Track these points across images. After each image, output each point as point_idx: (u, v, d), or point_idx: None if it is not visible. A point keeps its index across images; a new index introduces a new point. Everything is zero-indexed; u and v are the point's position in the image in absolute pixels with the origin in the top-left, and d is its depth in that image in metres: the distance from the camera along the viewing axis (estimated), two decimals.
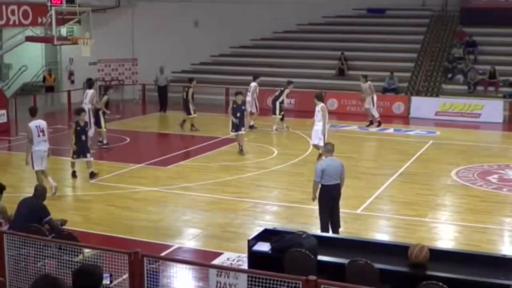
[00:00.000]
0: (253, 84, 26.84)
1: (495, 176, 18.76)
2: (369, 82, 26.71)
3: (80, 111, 18.43)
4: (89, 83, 23.51)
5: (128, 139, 23.98)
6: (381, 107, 30.51)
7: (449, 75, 32.29)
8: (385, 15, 38.05)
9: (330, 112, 30.16)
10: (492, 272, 8.84)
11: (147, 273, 8.46)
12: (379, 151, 22.27)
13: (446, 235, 14.08)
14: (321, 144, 18.85)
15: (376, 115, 26.92)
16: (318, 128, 19.77)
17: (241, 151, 21.29)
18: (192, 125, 25.74)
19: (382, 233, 14.17)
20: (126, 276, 8.59)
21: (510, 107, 29.41)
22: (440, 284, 8.16)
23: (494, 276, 8.74)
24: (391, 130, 26.62)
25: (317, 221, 12.80)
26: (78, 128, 17.77)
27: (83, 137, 17.88)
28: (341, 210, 12.93)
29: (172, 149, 21.02)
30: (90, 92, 22.61)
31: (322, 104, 20.28)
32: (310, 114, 29.50)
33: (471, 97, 30.57)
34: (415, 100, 30.81)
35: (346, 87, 32.41)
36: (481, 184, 17.85)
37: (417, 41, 34.98)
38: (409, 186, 17.61)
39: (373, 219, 15.03)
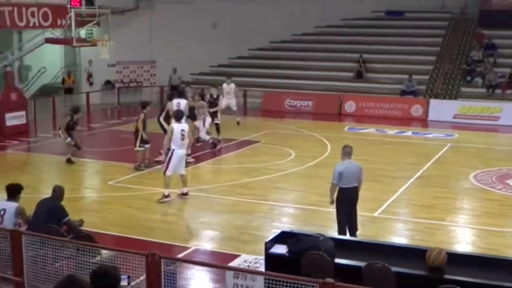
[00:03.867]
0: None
1: None
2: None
3: (146, 104, 19.87)
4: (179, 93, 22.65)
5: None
6: (399, 109, 30.51)
7: (468, 78, 32.13)
8: (404, 17, 37.90)
9: (348, 115, 30.53)
10: (510, 276, 8.79)
11: (164, 275, 8.49)
12: (397, 154, 22.17)
13: (464, 238, 14.00)
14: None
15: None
16: None
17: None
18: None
19: (399, 236, 14.11)
20: (143, 277, 8.61)
21: None
22: None
23: None
24: (409, 133, 26.54)
25: (335, 224, 12.77)
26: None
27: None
28: (358, 213, 12.89)
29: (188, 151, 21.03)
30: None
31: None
32: (327, 116, 29.77)
33: (490, 100, 30.40)
34: (434, 103, 30.69)
35: (364, 90, 32.38)
36: (500, 187, 17.74)
37: (436, 43, 34.85)
38: (427, 189, 17.53)
39: (390, 222, 14.97)
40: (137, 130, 19.32)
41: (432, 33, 35.85)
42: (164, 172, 16.10)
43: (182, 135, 15.93)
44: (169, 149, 16.19)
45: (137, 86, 34.64)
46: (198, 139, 21.90)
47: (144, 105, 19.85)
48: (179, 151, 15.97)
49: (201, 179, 18.42)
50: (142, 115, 19.21)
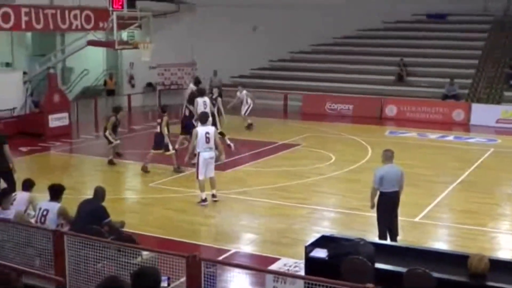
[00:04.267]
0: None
1: None
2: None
3: (166, 107, 20.24)
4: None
5: (186, 143, 24.05)
6: (441, 113, 30.23)
7: (511, 82, 31.73)
8: (446, 20, 37.59)
9: (389, 119, 30.34)
10: None
11: (204, 277, 8.52)
12: (439, 159, 21.96)
13: (507, 245, 13.83)
14: None
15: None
16: None
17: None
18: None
19: (441, 242, 13.98)
20: (183, 279, 8.65)
21: None
22: None
23: None
24: (451, 138, 26.27)
25: (375, 228, 12.70)
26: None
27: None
28: (399, 217, 12.80)
29: (230, 154, 21.08)
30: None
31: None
32: (367, 119, 29.62)
33: None
34: (476, 107, 30.32)
35: (405, 94, 32.13)
36: None
37: (478, 47, 34.45)
38: (469, 195, 17.34)
39: (431, 228, 14.83)
40: (161, 134, 19.37)
41: (475, 36, 35.48)
42: (197, 177, 16.14)
43: (207, 137, 15.82)
44: (195, 154, 16.20)
45: (178, 89, 34.80)
46: None
47: (164, 109, 20.00)
48: (205, 154, 15.87)
49: (242, 181, 18.44)
50: (166, 118, 19.35)
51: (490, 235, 14.24)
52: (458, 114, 30.20)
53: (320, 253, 9.94)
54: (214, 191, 16.26)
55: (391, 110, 31.09)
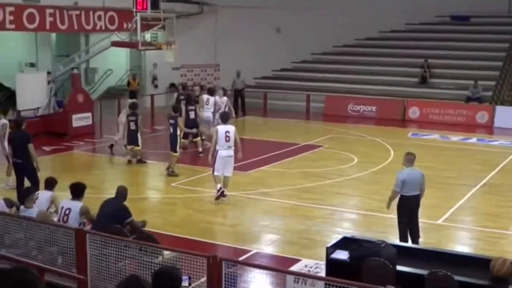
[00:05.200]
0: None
1: None
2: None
3: (177, 108, 20.23)
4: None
5: (208, 144, 24.08)
6: (464, 116, 30.07)
7: None
8: (469, 22, 37.35)
9: (412, 121, 30.21)
10: None
11: (225, 277, 8.55)
12: (462, 161, 21.85)
13: None
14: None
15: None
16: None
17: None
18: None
19: (462, 245, 13.91)
20: (204, 279, 8.68)
21: None
22: None
23: None
24: (474, 140, 26.12)
25: (396, 230, 12.66)
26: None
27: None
28: (421, 220, 12.76)
29: (251, 155, 21.10)
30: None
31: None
32: (390, 121, 29.54)
33: None
34: (500, 109, 30.13)
35: (429, 95, 32.00)
36: None
37: (503, 48, 34.18)
38: (492, 198, 17.24)
39: (454, 230, 14.78)
40: (176, 135, 19.39)
41: (499, 37, 35.16)
42: (212, 173, 16.37)
43: (227, 136, 16.01)
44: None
45: (202, 90, 34.86)
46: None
47: (175, 109, 20.05)
48: (223, 152, 16.04)
49: (264, 182, 18.45)
50: (179, 119, 19.45)
51: None
52: (481, 117, 30.02)
53: (342, 254, 9.93)
54: (224, 189, 16.31)
55: (414, 112, 30.96)
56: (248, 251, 12.88)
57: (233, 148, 16.20)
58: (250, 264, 10.59)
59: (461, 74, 33.00)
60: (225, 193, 16.28)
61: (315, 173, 19.61)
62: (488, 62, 33.67)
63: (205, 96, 23.22)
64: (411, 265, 9.50)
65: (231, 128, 16.29)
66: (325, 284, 8.30)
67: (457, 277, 8.78)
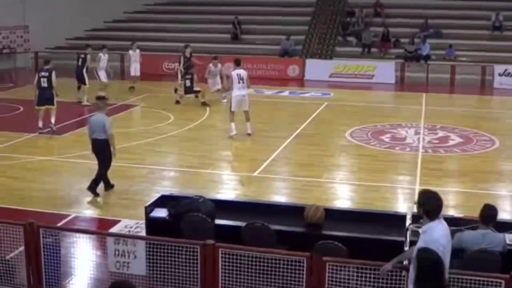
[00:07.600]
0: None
1: (388, 135, 19.28)
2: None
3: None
4: None
5: (22, 108, 23.24)
6: (276, 70, 30.86)
7: (344, 36, 32.85)
8: None
9: (226, 76, 30.50)
10: (385, 229, 9.11)
11: (44, 245, 8.36)
12: (276, 114, 22.49)
13: (341, 194, 14.40)
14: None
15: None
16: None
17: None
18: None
19: (278, 195, 14.34)
20: (22, 248, 8.45)
21: (401, 68, 30.21)
22: (336, 243, 8.36)
23: (387, 233, 9.01)
24: (286, 93, 26.91)
25: (215, 186, 12.90)
26: None
27: None
28: (237, 173, 13.03)
29: (66, 117, 20.56)
30: None
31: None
32: (206, 78, 29.67)
33: (364, 58, 31.18)
34: (310, 62, 31.17)
35: (241, 51, 32.42)
36: (374, 143, 18.32)
37: (311, 3, 35.21)
38: (305, 148, 17.90)
39: (269, 181, 15.16)
40: None
41: None
42: (229, 110, 18.65)
43: (240, 78, 18.54)
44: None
45: (11, 53, 33.59)
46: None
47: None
48: (237, 92, 18.54)
49: (81, 145, 17.95)
50: None
51: (325, 186, 14.79)
52: (293, 70, 30.96)
53: (161, 212, 9.96)
54: (248, 124, 18.78)
55: (228, 68, 31.27)
56: (67, 215, 12.62)
57: (245, 88, 18.67)
58: (69, 229, 10.41)
59: (272, 30, 33.75)
60: (249, 126, 18.76)
61: (132, 132, 19.45)
62: (297, 18, 34.63)
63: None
64: (229, 218, 9.70)
65: (242, 71, 18.89)
66: (146, 243, 8.32)
67: (273, 226, 9.04)
